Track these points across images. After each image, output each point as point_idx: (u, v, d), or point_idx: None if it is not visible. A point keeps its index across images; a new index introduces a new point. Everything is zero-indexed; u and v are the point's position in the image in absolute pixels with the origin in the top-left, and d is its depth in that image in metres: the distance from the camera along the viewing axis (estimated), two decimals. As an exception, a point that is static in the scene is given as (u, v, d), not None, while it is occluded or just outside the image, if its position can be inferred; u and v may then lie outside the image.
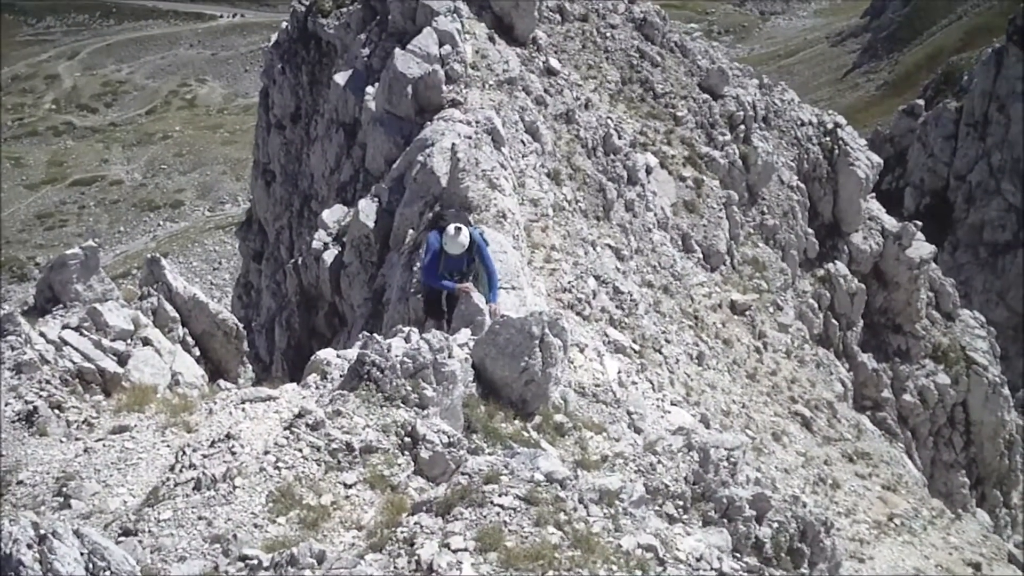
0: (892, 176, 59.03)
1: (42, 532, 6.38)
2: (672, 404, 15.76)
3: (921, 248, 33.78)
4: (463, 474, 8.10)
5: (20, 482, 9.56)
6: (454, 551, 7.06)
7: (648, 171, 26.56)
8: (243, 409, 10.16)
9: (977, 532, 29.16)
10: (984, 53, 61.41)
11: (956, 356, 34.01)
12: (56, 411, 10.71)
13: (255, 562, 7.26)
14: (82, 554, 6.44)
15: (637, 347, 18.62)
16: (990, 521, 32.39)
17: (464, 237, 12.89)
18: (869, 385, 32.07)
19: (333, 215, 20.14)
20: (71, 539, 6.41)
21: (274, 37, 32.46)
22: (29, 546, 6.27)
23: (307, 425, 8.92)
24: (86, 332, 12.62)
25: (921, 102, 63.98)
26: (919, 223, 34.87)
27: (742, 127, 30.49)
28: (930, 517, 26.85)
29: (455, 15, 21.69)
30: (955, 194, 56.87)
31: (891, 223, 34.34)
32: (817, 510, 11.98)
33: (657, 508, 9.54)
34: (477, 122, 18.46)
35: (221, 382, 13.94)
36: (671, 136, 28.82)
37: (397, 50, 20.39)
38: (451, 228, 12.97)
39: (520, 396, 11.04)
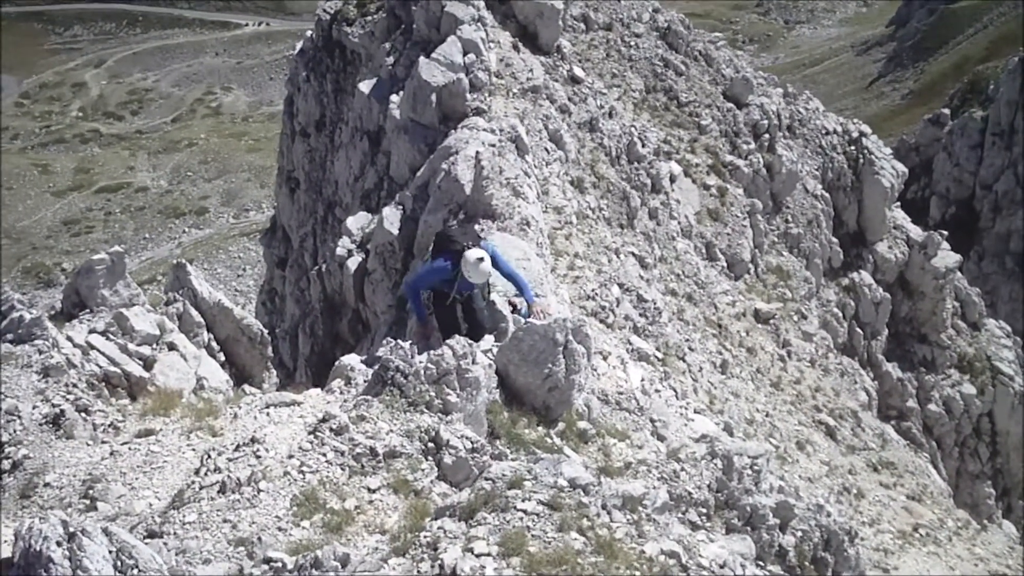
0: (918, 185, 58.74)
1: (71, 530, 6.44)
2: (695, 412, 15.73)
3: (947, 258, 33.61)
4: (486, 479, 8.12)
5: (47, 484, 9.66)
6: (477, 556, 7.07)
7: (672, 179, 26.54)
8: (268, 414, 10.23)
9: (1003, 543, 28.95)
10: (1010, 62, 60.95)
11: (982, 366, 33.81)
12: (83, 414, 10.81)
13: (279, 565, 7.30)
14: (111, 552, 6.50)
15: (660, 355, 18.59)
16: (1016, 532, 32.11)
17: (487, 264, 11.97)
18: (894, 395, 31.90)
19: (357, 222, 20.18)
20: (100, 537, 6.47)
21: (299, 45, 32.59)
22: (59, 544, 6.33)
23: (331, 430, 8.95)
24: (112, 337, 12.74)
25: (947, 111, 63.59)
26: (945, 232, 34.69)
27: (766, 136, 30.44)
28: (955, 528, 26.67)
29: (479, 24, 21.72)
30: (981, 203, 56.50)
31: (916, 232, 34.20)
32: (841, 519, 11.92)
33: (680, 515, 9.52)
34: (501, 130, 18.48)
35: (246, 387, 14.03)
36: (695, 144, 28.81)
37: (421, 58, 20.44)
38: (472, 256, 11.94)
39: (543, 402, 11.06)
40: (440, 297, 12.69)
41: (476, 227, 15.68)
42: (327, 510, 8.12)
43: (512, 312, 13.22)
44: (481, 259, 11.92)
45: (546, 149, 20.70)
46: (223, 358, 15.26)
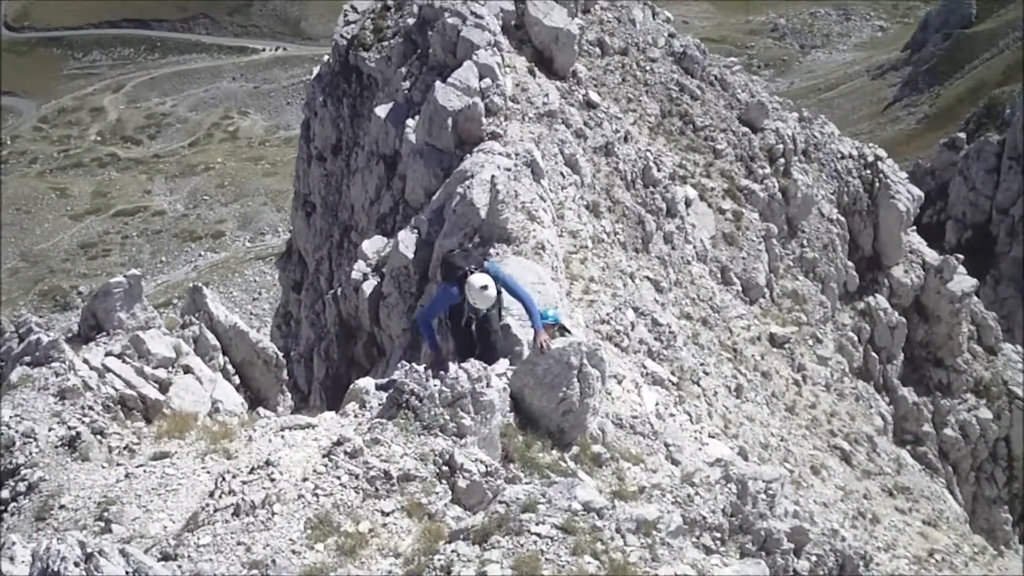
0: (933, 209, 58.57)
1: (89, 551, 6.47)
2: (710, 436, 15.72)
3: (963, 282, 33.51)
4: (500, 503, 8.12)
5: (62, 506, 9.69)
6: (491, 579, 7.08)
7: (687, 204, 26.56)
8: (282, 436, 10.24)
9: (1020, 569, 28.74)
10: (1026, 86, 61.01)
11: (998, 390, 33.66)
12: (98, 437, 10.85)
13: (293, 588, 7.31)
14: (127, 573, 6.52)
15: (675, 379, 18.56)
16: (1034, 559, 31.90)
17: (492, 291, 11.81)
18: (910, 419, 31.76)
19: (373, 246, 20.24)
20: (117, 558, 6.50)
21: (316, 70, 32.71)
22: (76, 564, 6.36)
23: (345, 453, 8.97)
24: (129, 359, 12.79)
25: (963, 135, 63.51)
26: (961, 256, 34.60)
27: (782, 160, 30.44)
28: (972, 553, 26.48)
29: (495, 48, 21.81)
30: (997, 228, 56.35)
31: (932, 256, 34.12)
32: (856, 544, 11.87)
33: (694, 539, 9.50)
34: (517, 154, 18.53)
35: (261, 410, 14.03)
36: (710, 169, 28.83)
37: (438, 83, 20.53)
38: (476, 281, 11.78)
39: (558, 426, 11.05)
40: (456, 316, 12.47)
41: (492, 251, 15.71)
42: (341, 533, 8.12)
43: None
44: (485, 286, 11.75)
45: (561, 173, 20.74)
46: (238, 381, 15.29)
